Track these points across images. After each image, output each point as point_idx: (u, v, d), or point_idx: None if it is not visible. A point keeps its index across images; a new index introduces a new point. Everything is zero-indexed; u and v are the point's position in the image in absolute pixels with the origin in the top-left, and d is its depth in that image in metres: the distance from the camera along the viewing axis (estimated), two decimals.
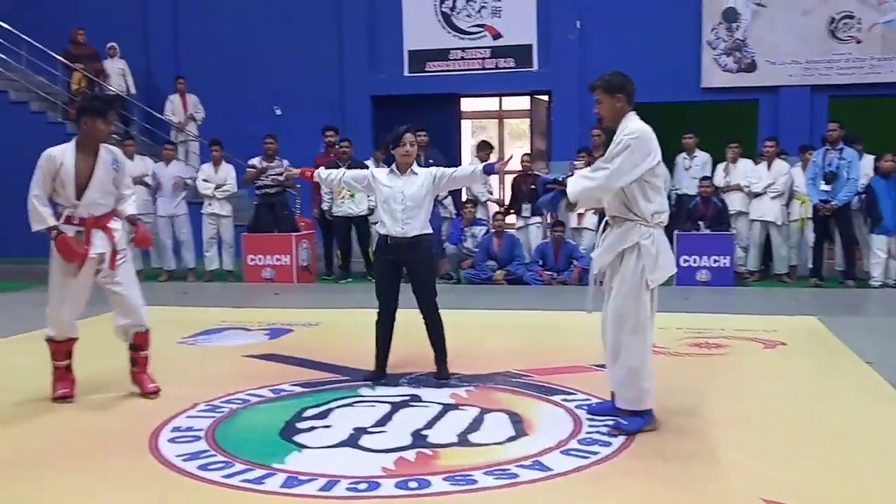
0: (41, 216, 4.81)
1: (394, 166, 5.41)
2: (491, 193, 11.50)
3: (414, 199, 5.27)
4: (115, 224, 5.05)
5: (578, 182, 4.27)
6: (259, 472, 3.78)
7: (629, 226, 4.22)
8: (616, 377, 4.33)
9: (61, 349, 5.02)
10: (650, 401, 4.28)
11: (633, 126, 4.28)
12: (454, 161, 13.51)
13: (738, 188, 10.37)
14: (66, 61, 13.15)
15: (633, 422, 4.26)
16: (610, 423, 4.36)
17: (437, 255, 11.16)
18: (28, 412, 4.86)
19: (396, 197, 5.26)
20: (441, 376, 5.41)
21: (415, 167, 5.41)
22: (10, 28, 13.24)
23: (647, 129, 4.27)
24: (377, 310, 5.41)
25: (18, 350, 6.76)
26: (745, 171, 10.38)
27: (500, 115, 16.62)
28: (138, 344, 5.19)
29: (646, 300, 4.23)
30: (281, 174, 10.41)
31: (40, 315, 7.72)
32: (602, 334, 4.43)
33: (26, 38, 13.21)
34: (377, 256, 5.52)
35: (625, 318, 4.23)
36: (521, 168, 11.08)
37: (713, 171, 10.74)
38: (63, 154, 4.82)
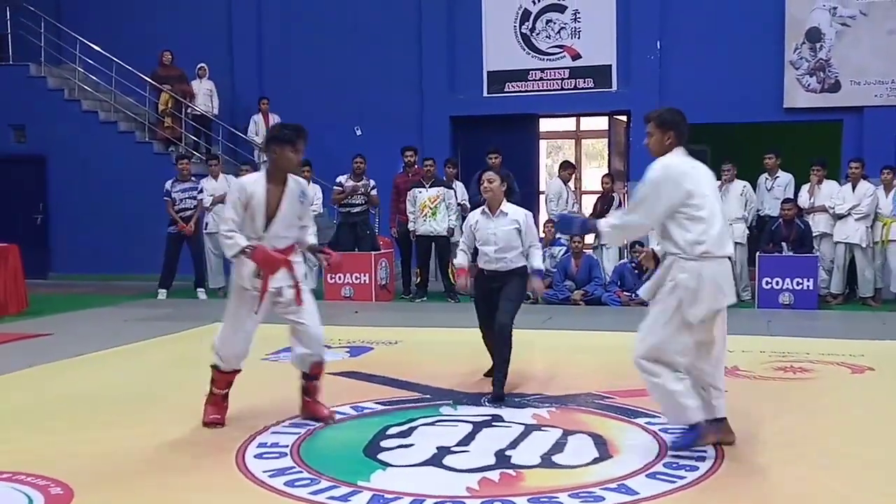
0: (235, 241, 4.65)
1: (485, 207, 5.76)
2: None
3: (506, 240, 5.61)
4: (297, 257, 4.97)
5: (609, 222, 4.47)
6: (345, 490, 3.80)
7: (671, 260, 4.21)
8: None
9: (224, 379, 4.96)
10: (696, 416, 4.20)
11: (661, 162, 4.32)
12: (530, 183, 13.54)
13: (823, 210, 10.14)
14: (153, 82, 13.53)
15: (685, 437, 4.24)
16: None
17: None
18: (117, 426, 4.96)
19: (489, 239, 5.64)
20: (495, 395, 5.40)
21: (504, 206, 5.72)
22: (100, 50, 13.75)
23: (674, 163, 4.30)
24: (479, 328, 5.82)
25: (113, 364, 6.95)
26: (829, 193, 10.16)
27: (578, 136, 16.54)
28: (314, 374, 5.06)
29: (683, 336, 4.20)
30: (365, 193, 10.61)
31: (121, 331, 7.94)
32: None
33: (115, 59, 13.67)
34: (476, 281, 5.84)
35: (651, 345, 4.26)
36: (601, 189, 11.02)
37: (796, 192, 10.56)
38: (254, 184, 4.71)
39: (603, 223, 4.45)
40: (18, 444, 4.59)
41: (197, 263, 11.18)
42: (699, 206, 4.18)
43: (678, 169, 4.26)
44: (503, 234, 5.60)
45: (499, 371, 5.49)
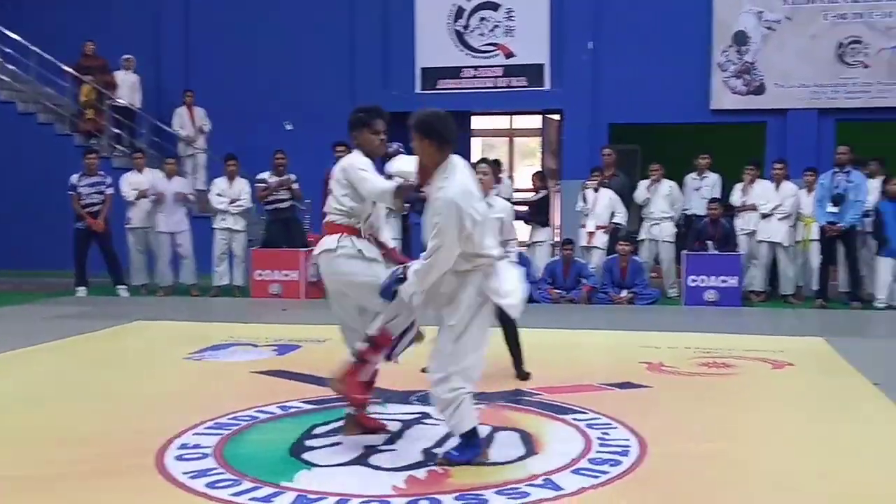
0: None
1: None
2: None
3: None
4: None
5: (413, 276, 3.93)
6: (268, 490, 3.74)
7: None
8: None
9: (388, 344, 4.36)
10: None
11: (446, 185, 3.90)
12: None
13: (754, 208, 10.37)
14: (75, 73, 13.10)
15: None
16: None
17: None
18: (33, 428, 4.83)
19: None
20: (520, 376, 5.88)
21: (491, 198, 5.68)
22: (20, 39, 13.28)
23: (458, 185, 3.89)
24: None
25: (32, 362, 6.76)
26: (761, 192, 10.40)
27: (511, 134, 16.65)
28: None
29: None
30: (289, 188, 10.48)
31: (43, 329, 7.73)
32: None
33: (36, 49, 13.23)
34: None
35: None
36: (532, 186, 11.11)
37: (723, 191, 10.79)
38: None
39: (407, 292, 3.98)
40: None
41: (109, 260, 10.81)
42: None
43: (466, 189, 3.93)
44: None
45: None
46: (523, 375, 5.94)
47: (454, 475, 3.94)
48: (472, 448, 4.08)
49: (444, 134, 4.04)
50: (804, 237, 10.23)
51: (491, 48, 13.20)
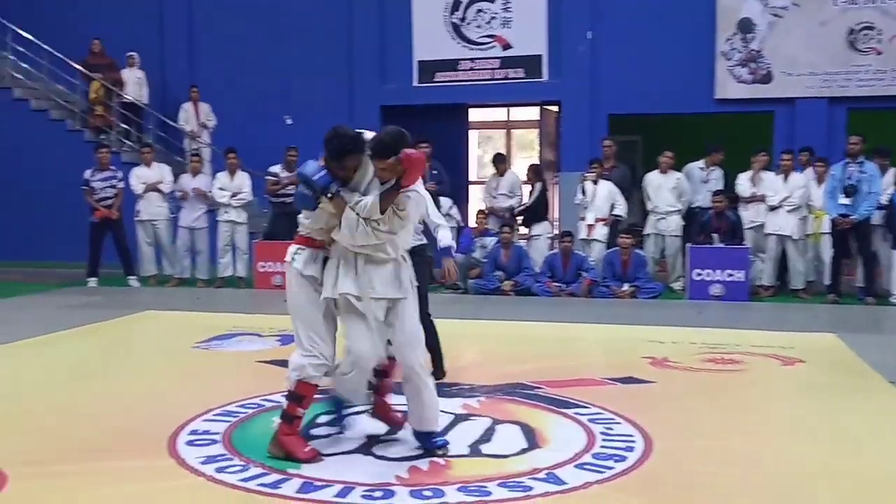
0: None
1: None
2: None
3: None
4: None
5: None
6: (275, 477, 3.81)
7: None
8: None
9: (312, 393, 4.20)
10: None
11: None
12: (459, 172, 13.56)
13: (763, 199, 10.17)
14: (85, 70, 13.30)
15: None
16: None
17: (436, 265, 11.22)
18: (45, 414, 4.92)
19: None
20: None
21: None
22: (31, 38, 13.46)
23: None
24: None
25: (45, 351, 6.84)
26: (771, 183, 10.21)
27: (508, 126, 16.61)
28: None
29: None
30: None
31: (56, 318, 7.82)
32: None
33: (47, 47, 13.40)
34: None
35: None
36: (527, 179, 11.11)
37: (727, 183, 10.69)
38: None
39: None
40: None
41: (121, 251, 10.99)
42: None
43: None
44: None
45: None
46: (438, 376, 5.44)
47: (456, 467, 3.95)
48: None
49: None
50: (815, 230, 10.04)
51: (488, 40, 13.13)
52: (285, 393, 4.15)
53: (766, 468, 4.00)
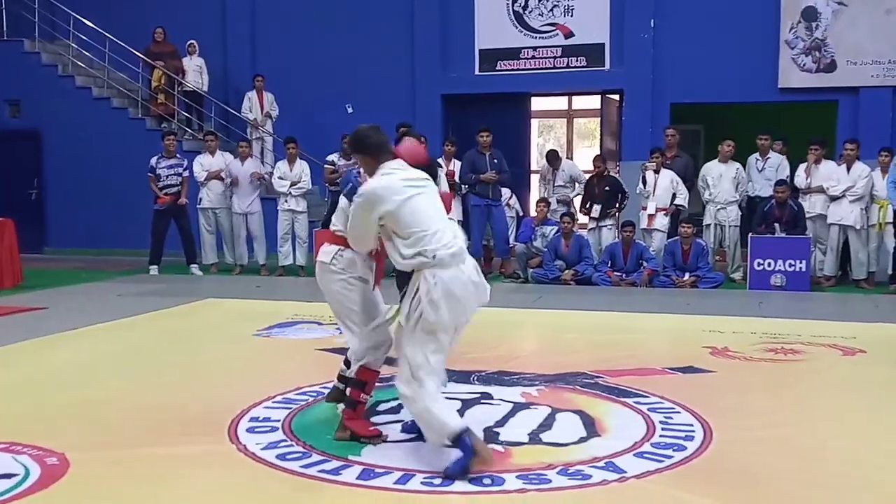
0: None
1: None
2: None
3: None
4: None
5: None
6: (336, 464, 3.84)
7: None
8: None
9: (374, 379, 4.29)
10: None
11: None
12: (520, 162, 13.54)
13: (820, 190, 10.09)
14: (146, 58, 13.49)
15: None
16: None
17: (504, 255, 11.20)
18: (109, 400, 5.00)
19: None
20: None
21: None
22: (93, 26, 13.69)
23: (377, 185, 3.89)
24: None
25: (107, 337, 6.99)
26: (827, 173, 10.10)
27: (569, 115, 16.52)
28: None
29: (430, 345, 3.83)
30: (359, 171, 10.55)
31: (118, 306, 8.00)
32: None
33: (109, 35, 13.62)
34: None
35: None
36: (593, 169, 11.02)
37: (791, 172, 10.55)
38: None
39: None
40: (14, 416, 4.63)
41: (185, 239, 11.20)
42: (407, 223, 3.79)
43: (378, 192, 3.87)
44: None
45: None
46: None
47: (515, 455, 3.99)
48: None
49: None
50: (879, 220, 9.86)
51: (550, 28, 13.07)
52: (334, 382, 4.25)
53: (826, 459, 3.97)
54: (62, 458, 3.87)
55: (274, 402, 4.86)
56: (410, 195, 3.82)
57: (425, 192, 3.91)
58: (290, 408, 4.76)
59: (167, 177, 11.03)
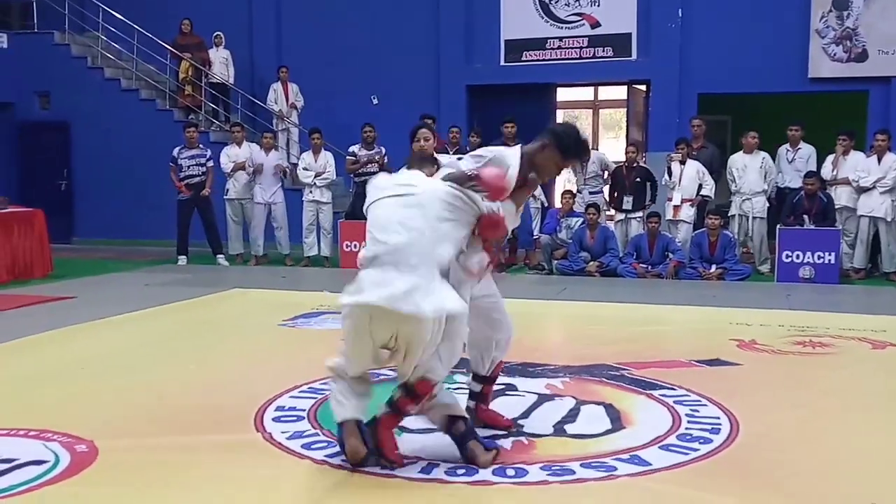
0: None
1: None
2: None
3: None
4: None
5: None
6: None
7: None
8: None
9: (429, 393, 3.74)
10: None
11: None
12: None
13: (846, 182, 9.97)
14: (173, 50, 13.59)
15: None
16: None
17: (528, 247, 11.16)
18: (138, 387, 5.05)
19: None
20: None
21: None
22: (122, 17, 13.82)
23: None
24: None
25: (135, 327, 7.08)
26: (854, 165, 9.97)
27: (595, 106, 16.41)
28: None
29: None
30: (380, 162, 10.59)
31: (145, 296, 8.03)
32: None
33: (137, 27, 13.74)
34: None
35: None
36: (624, 159, 10.91)
37: (819, 163, 10.43)
38: None
39: None
40: (44, 404, 4.69)
41: (209, 230, 11.26)
42: None
43: None
44: None
45: None
46: None
47: (539, 447, 3.98)
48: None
49: None
50: None
51: (576, 18, 12.99)
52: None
53: (855, 453, 3.92)
54: (91, 446, 3.91)
55: (300, 392, 4.88)
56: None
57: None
58: (316, 397, 4.77)
59: (189, 167, 11.11)
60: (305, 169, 11.17)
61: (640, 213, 10.65)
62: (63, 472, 3.62)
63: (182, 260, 11.23)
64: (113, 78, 13.97)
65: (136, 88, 13.95)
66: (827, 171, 10.18)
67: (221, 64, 13.72)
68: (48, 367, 5.60)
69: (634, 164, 10.75)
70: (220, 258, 11.32)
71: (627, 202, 10.63)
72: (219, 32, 13.70)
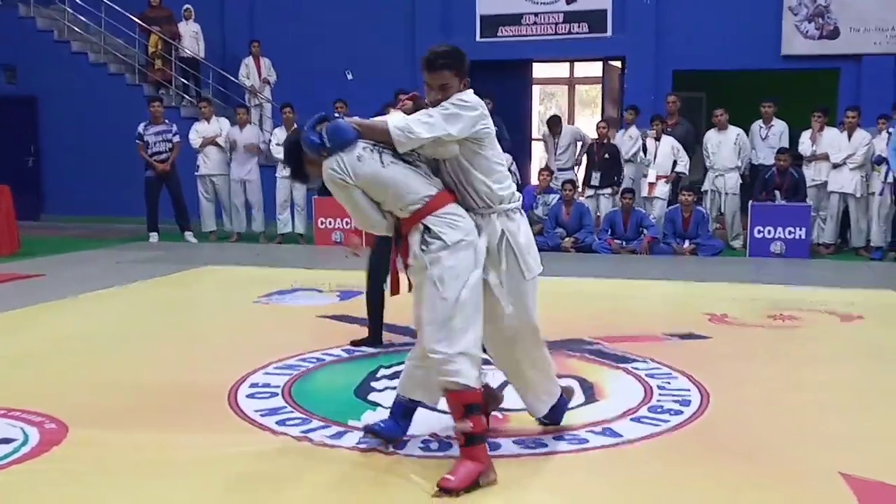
0: None
1: None
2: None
3: None
4: None
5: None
6: (336, 429, 3.85)
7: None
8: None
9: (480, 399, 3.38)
10: None
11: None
12: (522, 129, 13.45)
13: (826, 158, 10.05)
14: (142, 23, 13.37)
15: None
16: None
17: None
18: (109, 366, 5.03)
19: None
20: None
21: None
22: None
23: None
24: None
25: (105, 305, 7.00)
26: (830, 141, 10.06)
27: (571, 82, 16.38)
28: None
29: None
30: None
31: (117, 273, 7.92)
32: None
33: (105, 0, 13.49)
34: None
35: None
36: (596, 136, 10.95)
37: (791, 140, 10.51)
38: None
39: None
40: (12, 382, 4.65)
41: (177, 206, 11.13)
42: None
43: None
44: None
45: None
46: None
47: (513, 420, 4.00)
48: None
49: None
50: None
51: None
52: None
53: (821, 424, 3.98)
54: (60, 424, 3.89)
55: (275, 368, 4.87)
56: None
57: None
58: (291, 374, 4.77)
59: (155, 143, 10.96)
60: (278, 145, 11.05)
61: (608, 190, 10.69)
62: (32, 451, 3.59)
63: (153, 237, 11.10)
64: (80, 52, 13.72)
65: (104, 63, 13.72)
66: (806, 147, 10.24)
67: (191, 38, 13.52)
68: (16, 347, 5.54)
69: (605, 141, 10.77)
70: (189, 234, 11.19)
71: (595, 178, 10.66)
72: (188, 6, 13.51)
